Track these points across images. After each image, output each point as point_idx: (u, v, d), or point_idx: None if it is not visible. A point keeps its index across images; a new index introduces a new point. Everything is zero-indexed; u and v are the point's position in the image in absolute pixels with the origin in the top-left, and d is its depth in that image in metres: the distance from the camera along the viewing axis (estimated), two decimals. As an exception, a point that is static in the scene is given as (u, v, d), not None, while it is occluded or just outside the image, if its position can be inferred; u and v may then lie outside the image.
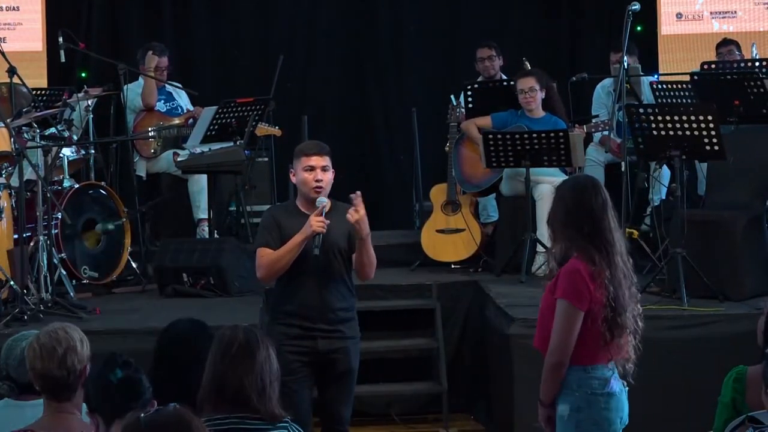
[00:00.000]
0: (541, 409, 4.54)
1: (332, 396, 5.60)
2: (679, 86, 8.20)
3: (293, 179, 5.64)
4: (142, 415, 2.91)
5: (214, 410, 3.63)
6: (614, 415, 4.49)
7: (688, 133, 6.94)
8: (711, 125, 6.87)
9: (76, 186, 8.05)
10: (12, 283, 7.01)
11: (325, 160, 5.53)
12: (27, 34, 10.27)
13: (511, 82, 8.52)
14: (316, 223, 5.37)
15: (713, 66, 8.40)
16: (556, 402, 4.49)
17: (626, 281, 4.48)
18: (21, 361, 4.14)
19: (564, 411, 4.46)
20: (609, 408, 4.47)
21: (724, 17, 10.37)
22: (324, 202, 5.46)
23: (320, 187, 5.49)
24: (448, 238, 8.48)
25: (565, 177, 8.05)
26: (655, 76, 9.25)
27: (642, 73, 8.95)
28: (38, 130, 7.86)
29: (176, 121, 9.09)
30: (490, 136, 7.94)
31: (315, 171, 5.49)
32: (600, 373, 4.46)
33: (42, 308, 6.92)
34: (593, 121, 8.74)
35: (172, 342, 4.27)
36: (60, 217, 7.65)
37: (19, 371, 4.20)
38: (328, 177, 5.53)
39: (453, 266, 8.46)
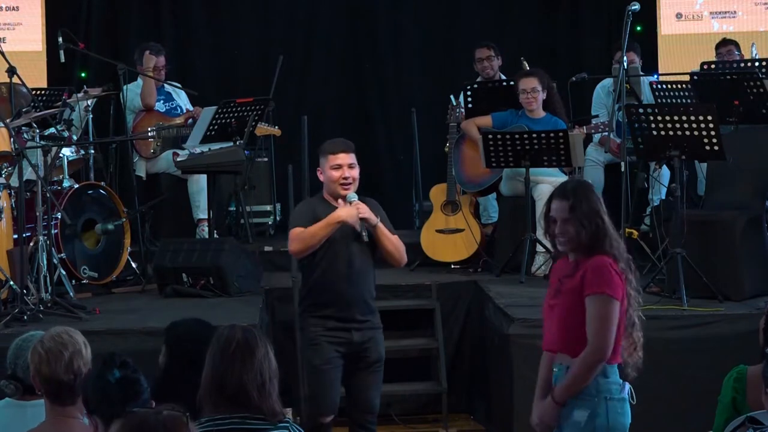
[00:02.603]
0: (553, 408, 4.44)
1: (365, 385, 5.77)
2: (679, 86, 8.20)
3: (321, 177, 5.80)
4: (136, 411, 2.92)
5: (214, 409, 3.63)
6: (626, 420, 4.45)
7: (687, 133, 6.94)
8: (711, 125, 6.87)
9: (76, 186, 8.04)
10: (12, 283, 7.01)
11: (352, 158, 5.77)
12: (27, 34, 10.27)
13: (511, 82, 8.52)
14: (357, 209, 5.59)
15: (713, 66, 8.40)
16: (568, 404, 4.44)
17: (633, 279, 4.50)
18: None
19: (581, 417, 4.37)
20: (623, 413, 4.42)
21: (723, 17, 10.37)
22: (354, 197, 5.68)
23: (348, 184, 5.70)
24: (448, 238, 8.48)
25: (564, 177, 8.07)
26: (655, 76, 9.25)
27: (642, 73, 8.95)
28: (38, 130, 7.86)
29: (176, 121, 9.09)
30: (490, 136, 7.93)
31: (342, 168, 5.71)
32: (615, 377, 4.42)
33: (42, 308, 6.91)
34: (593, 122, 8.74)
35: (185, 340, 4.27)
36: (60, 217, 7.65)
37: (27, 372, 4.20)
38: (355, 174, 5.75)
39: (453, 266, 8.46)
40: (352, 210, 5.61)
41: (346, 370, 5.76)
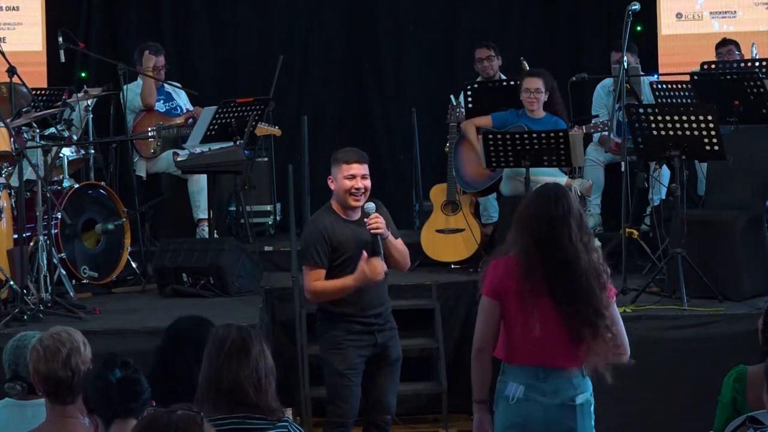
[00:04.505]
0: None
1: (384, 386, 5.86)
2: (679, 86, 8.19)
3: (332, 186, 5.79)
4: (150, 410, 2.92)
5: (213, 409, 3.63)
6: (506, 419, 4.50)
7: (688, 133, 6.94)
8: (711, 125, 6.87)
9: (76, 186, 8.04)
10: (12, 283, 7.01)
11: (365, 168, 5.75)
12: (27, 34, 10.26)
13: (511, 82, 8.51)
14: (374, 223, 5.62)
15: (713, 66, 8.39)
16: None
17: None
18: None
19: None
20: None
21: (724, 17, 10.36)
22: (373, 209, 5.69)
23: (359, 195, 5.70)
24: (448, 238, 8.48)
25: (564, 177, 8.06)
26: (655, 76, 9.25)
27: (642, 73, 8.95)
28: (38, 130, 7.86)
29: (176, 121, 9.09)
30: (490, 136, 7.92)
31: (356, 179, 5.70)
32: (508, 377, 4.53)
33: (42, 308, 6.91)
34: (593, 121, 8.73)
35: (177, 340, 4.27)
36: (60, 217, 7.65)
37: (28, 371, 4.20)
38: (367, 184, 5.74)
39: (453, 266, 8.46)
40: (378, 269, 5.63)
41: (366, 373, 5.83)
